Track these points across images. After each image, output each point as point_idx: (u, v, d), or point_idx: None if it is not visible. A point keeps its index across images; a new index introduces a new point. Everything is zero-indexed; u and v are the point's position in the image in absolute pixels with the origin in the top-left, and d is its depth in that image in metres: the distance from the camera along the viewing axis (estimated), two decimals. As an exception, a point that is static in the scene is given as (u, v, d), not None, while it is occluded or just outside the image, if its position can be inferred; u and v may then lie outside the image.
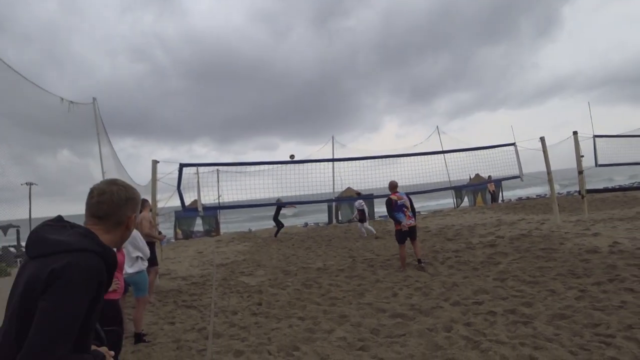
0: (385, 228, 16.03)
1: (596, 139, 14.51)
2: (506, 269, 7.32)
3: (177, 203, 10.12)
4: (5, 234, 20.90)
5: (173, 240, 21.69)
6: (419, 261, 8.33)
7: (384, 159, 13.21)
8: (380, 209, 25.15)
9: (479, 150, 13.49)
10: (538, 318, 4.78)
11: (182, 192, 9.74)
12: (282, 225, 17.33)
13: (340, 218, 23.12)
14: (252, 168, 12.51)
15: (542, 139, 12.90)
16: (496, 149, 13.23)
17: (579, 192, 13.85)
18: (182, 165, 9.66)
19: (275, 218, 17.14)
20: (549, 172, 12.91)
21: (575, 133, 13.42)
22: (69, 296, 1.37)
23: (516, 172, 12.92)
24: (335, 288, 7.39)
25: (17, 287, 1.47)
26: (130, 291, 5.81)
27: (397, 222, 8.42)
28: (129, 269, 5.16)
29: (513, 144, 12.97)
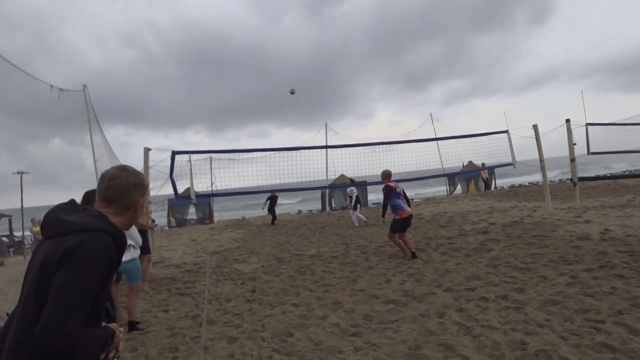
0: (379, 215, 16.03)
1: (588, 127, 14.56)
2: (498, 256, 7.37)
3: (170, 191, 10.08)
4: (-4, 223, 20.75)
5: (166, 228, 21.66)
6: (414, 254, 8.02)
7: (377, 147, 13.20)
8: (374, 196, 25.23)
9: (472, 138, 13.49)
10: (529, 304, 4.82)
11: (175, 179, 9.68)
12: (276, 217, 18.02)
13: (334, 205, 23.17)
14: (245, 155, 12.47)
15: (535, 127, 12.92)
16: (489, 136, 13.24)
17: (571, 179, 13.94)
18: (174, 153, 9.60)
19: (271, 209, 17.69)
20: (541, 160, 12.97)
21: (567, 121, 13.46)
22: (82, 273, 1.46)
23: (509, 159, 12.96)
24: (328, 275, 7.42)
25: (32, 268, 1.56)
26: (123, 279, 5.80)
27: (399, 210, 8.10)
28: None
29: (506, 132, 12.98)
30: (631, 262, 5.96)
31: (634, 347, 3.43)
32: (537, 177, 24.66)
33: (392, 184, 8.26)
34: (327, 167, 19.73)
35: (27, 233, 20.21)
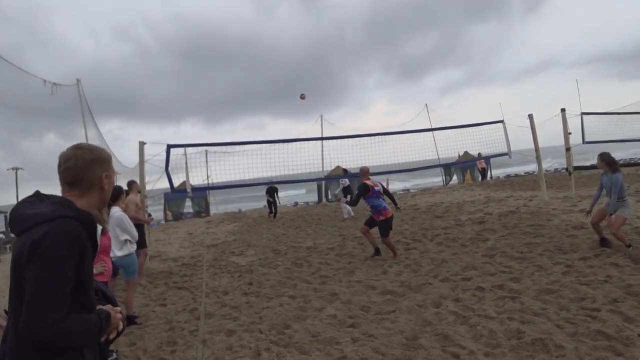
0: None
1: (584, 116, 14.56)
2: (494, 245, 7.40)
3: (166, 185, 10.03)
4: (-8, 220, 20.68)
5: (163, 222, 21.63)
6: (377, 250, 7.63)
7: (373, 137, 13.17)
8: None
9: (467, 128, 13.49)
10: (525, 293, 4.86)
11: (171, 173, 9.64)
12: (271, 210, 16.90)
13: (330, 197, 23.18)
14: (241, 148, 12.43)
15: (530, 117, 12.92)
16: (485, 126, 13.23)
17: (567, 169, 13.97)
18: (169, 147, 9.54)
19: (270, 202, 16.69)
20: (537, 149, 12.99)
21: (563, 110, 13.46)
22: (51, 262, 1.43)
23: (505, 149, 12.97)
24: (325, 266, 7.43)
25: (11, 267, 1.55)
26: (121, 274, 5.78)
27: (381, 210, 7.40)
28: (117, 252, 5.12)
29: (501, 122, 12.98)
30: (626, 251, 6.01)
31: (629, 335, 3.47)
32: (532, 167, 24.75)
33: (369, 183, 7.55)
34: (322, 159, 19.70)
35: None
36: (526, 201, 12.45)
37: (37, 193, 1.68)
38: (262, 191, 17.67)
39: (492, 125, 13.16)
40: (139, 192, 8.10)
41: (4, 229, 20.41)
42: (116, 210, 5.30)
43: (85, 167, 1.68)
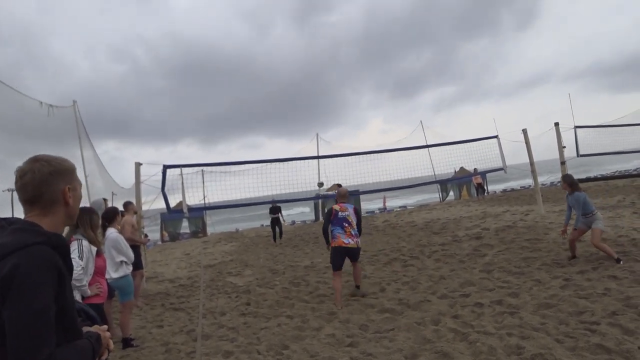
0: (372, 223, 16.07)
1: (577, 129, 14.69)
2: (492, 261, 7.39)
3: (163, 205, 10.01)
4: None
5: (159, 243, 21.51)
6: (357, 287, 6.70)
7: (369, 155, 13.23)
8: (365, 205, 25.26)
9: (462, 144, 13.59)
10: (524, 308, 4.84)
11: (167, 194, 9.63)
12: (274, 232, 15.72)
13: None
14: (237, 167, 12.44)
15: (525, 131, 13.05)
16: (480, 142, 13.33)
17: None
18: (165, 167, 9.55)
19: (273, 222, 15.75)
20: (532, 164, 13.08)
21: (556, 124, 13.59)
22: (28, 297, 1.30)
23: (500, 164, 13.05)
24: (323, 285, 7.39)
25: None
26: (117, 296, 5.73)
27: (333, 238, 6.62)
28: (113, 274, 5.08)
29: (496, 137, 13.09)
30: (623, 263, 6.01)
31: (629, 348, 3.45)
32: (528, 181, 24.84)
33: (336, 207, 6.75)
34: (319, 177, 19.73)
35: None
36: (523, 215, 12.47)
37: None
38: (259, 211, 17.61)
39: (486, 140, 13.27)
40: (135, 212, 8.08)
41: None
42: (112, 232, 5.28)
43: (43, 181, 1.48)
